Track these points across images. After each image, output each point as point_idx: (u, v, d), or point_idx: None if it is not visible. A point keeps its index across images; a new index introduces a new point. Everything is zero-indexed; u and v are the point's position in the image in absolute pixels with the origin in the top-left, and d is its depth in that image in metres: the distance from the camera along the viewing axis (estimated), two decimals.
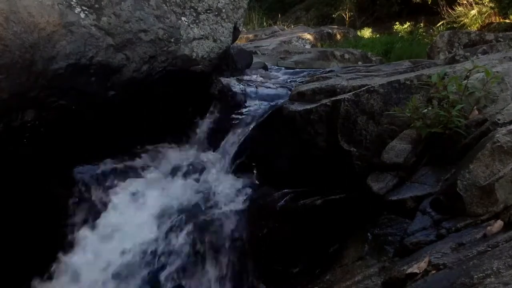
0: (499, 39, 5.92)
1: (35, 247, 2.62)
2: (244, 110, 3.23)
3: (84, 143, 2.84)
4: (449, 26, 8.95)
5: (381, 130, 2.42)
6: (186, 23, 3.03)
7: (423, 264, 1.45)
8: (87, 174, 2.87)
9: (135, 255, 2.51)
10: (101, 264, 2.52)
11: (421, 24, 9.92)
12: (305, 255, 2.25)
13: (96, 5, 2.72)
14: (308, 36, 8.87)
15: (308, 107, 2.68)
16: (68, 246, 2.62)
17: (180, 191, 2.83)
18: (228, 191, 2.76)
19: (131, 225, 2.64)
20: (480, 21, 8.58)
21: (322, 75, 3.47)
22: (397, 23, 10.15)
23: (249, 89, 3.48)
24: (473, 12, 8.75)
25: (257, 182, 2.80)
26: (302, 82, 3.52)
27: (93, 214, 2.73)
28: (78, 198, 2.77)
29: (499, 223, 1.52)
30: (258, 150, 2.95)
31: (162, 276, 2.43)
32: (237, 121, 3.16)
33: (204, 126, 3.25)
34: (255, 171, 2.88)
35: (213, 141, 3.16)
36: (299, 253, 2.28)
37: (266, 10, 13.80)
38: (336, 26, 10.58)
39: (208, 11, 3.15)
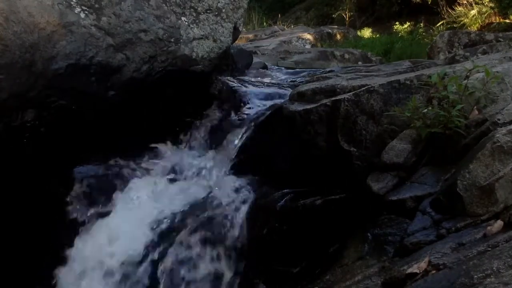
0: (499, 39, 5.92)
1: (35, 246, 2.62)
2: (244, 110, 3.23)
3: (84, 143, 2.84)
4: (449, 26, 8.95)
5: (381, 130, 2.42)
6: (186, 23, 3.04)
7: (423, 264, 1.45)
8: (87, 174, 2.87)
9: (134, 255, 2.51)
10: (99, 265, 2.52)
11: (421, 24, 9.92)
12: (305, 255, 2.25)
13: (96, 5, 2.72)
14: (308, 36, 8.87)
15: (308, 107, 2.68)
16: (67, 245, 2.62)
17: (180, 191, 2.83)
18: (228, 191, 2.76)
19: (131, 225, 2.64)
20: (480, 21, 8.58)
21: (322, 75, 3.47)
22: (397, 23, 10.16)
23: (249, 89, 3.48)
24: (473, 12, 8.75)
25: (257, 182, 2.79)
26: (302, 82, 3.52)
27: (93, 214, 2.73)
28: (78, 198, 2.77)
29: (499, 223, 1.52)
30: (258, 150, 2.95)
31: (161, 275, 2.44)
32: (237, 121, 3.16)
33: (204, 126, 3.25)
34: (255, 171, 2.88)
35: (213, 141, 3.16)
36: (299, 253, 2.27)
37: (266, 10, 13.81)
38: (336, 26, 10.59)
39: (208, 11, 3.15)
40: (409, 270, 1.47)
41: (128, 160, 3.03)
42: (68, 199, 2.76)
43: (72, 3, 2.65)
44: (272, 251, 2.37)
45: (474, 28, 8.41)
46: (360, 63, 6.16)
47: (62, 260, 2.59)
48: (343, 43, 8.97)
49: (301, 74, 4.26)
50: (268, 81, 3.92)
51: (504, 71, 2.34)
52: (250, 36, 9.35)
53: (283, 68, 5.07)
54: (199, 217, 2.58)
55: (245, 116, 3.18)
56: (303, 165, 2.68)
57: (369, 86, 2.52)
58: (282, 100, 3.12)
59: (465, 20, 8.78)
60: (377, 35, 9.81)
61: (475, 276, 1.22)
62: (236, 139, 3.04)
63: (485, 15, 8.59)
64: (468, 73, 2.27)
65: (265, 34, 9.74)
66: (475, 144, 1.88)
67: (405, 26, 9.95)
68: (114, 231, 2.63)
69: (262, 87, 3.61)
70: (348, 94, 2.56)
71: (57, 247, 2.62)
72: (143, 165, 3.03)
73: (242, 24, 3.54)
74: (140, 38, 2.85)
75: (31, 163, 2.69)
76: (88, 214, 2.72)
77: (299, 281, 2.15)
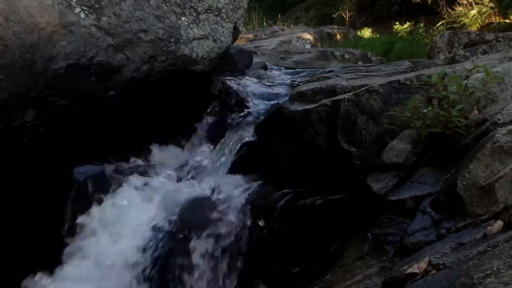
0: (499, 39, 5.92)
1: (35, 246, 2.62)
2: (244, 110, 3.23)
3: (84, 143, 2.84)
4: (449, 26, 8.94)
5: (381, 130, 2.42)
6: (186, 23, 3.04)
7: (423, 264, 1.45)
8: (87, 174, 2.87)
9: (134, 256, 2.51)
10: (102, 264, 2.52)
11: (421, 24, 9.91)
12: (305, 255, 2.25)
13: (96, 5, 2.72)
14: (308, 36, 8.87)
15: (308, 107, 2.68)
16: (68, 246, 2.63)
17: (180, 191, 2.83)
18: (227, 191, 2.76)
19: (131, 225, 2.64)
20: (480, 21, 8.58)
21: (322, 75, 3.46)
22: (397, 23, 10.15)
23: (249, 89, 3.47)
24: (473, 12, 8.75)
25: (257, 182, 2.79)
26: (302, 82, 3.52)
27: (93, 214, 2.73)
28: (78, 198, 2.77)
29: (499, 223, 1.52)
30: (258, 150, 2.95)
31: (159, 275, 2.43)
32: (237, 121, 3.16)
33: (204, 126, 3.25)
34: (254, 171, 2.88)
35: (213, 141, 3.16)
36: (299, 253, 2.28)
37: (266, 10, 13.80)
38: (336, 26, 10.58)
39: (208, 11, 3.15)
40: (409, 270, 1.47)
41: (128, 160, 3.03)
42: (68, 199, 2.76)
43: (72, 3, 2.64)
44: (272, 251, 2.37)
45: (474, 28, 8.40)
46: (360, 63, 6.15)
47: (61, 260, 2.59)
48: (343, 43, 8.97)
49: (301, 74, 4.26)
50: (268, 81, 3.92)
51: (504, 71, 2.34)
52: (250, 36, 9.34)
53: (283, 68, 5.06)
54: (199, 216, 2.58)
55: (245, 116, 3.18)
56: (303, 165, 2.68)
57: (369, 86, 2.52)
58: (282, 100, 3.12)
59: (465, 20, 8.78)
60: (377, 35, 9.81)
61: (475, 276, 1.22)
62: (236, 139, 3.04)
63: (485, 15, 8.59)
64: (468, 73, 2.27)
65: (265, 34, 9.73)
66: (475, 144, 1.88)
67: (405, 26, 9.94)
68: (113, 231, 2.63)
69: (262, 87, 3.61)
70: (348, 94, 2.56)
71: (56, 247, 2.62)
72: (143, 164, 3.03)
73: (242, 24, 3.54)
74: (140, 38, 2.85)
75: (31, 163, 2.69)
76: (89, 214, 2.72)
77: (299, 281, 2.15)
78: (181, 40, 3.01)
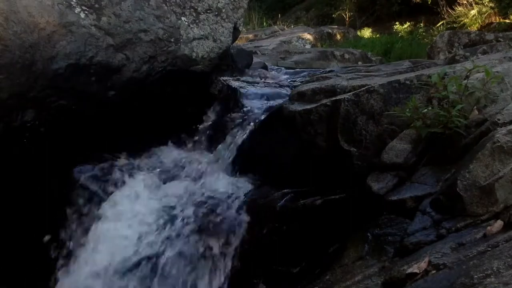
0: (499, 39, 5.93)
1: (35, 247, 2.62)
2: (244, 110, 3.23)
3: (84, 143, 2.84)
4: (449, 26, 8.96)
5: (381, 130, 2.42)
6: (186, 23, 3.04)
7: (423, 264, 1.45)
8: (87, 174, 2.87)
9: (133, 256, 2.51)
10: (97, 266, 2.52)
11: (421, 24, 9.93)
12: (305, 255, 2.25)
13: (96, 5, 2.72)
14: (308, 36, 8.88)
15: (308, 107, 2.68)
16: (67, 245, 2.63)
17: (180, 191, 2.83)
18: (228, 191, 2.76)
19: (130, 226, 2.64)
20: (480, 21, 8.59)
21: (322, 75, 3.47)
22: (397, 23, 10.16)
23: (249, 89, 3.48)
24: (473, 12, 8.76)
25: (257, 182, 2.79)
26: (302, 82, 3.52)
27: (93, 214, 2.73)
28: (77, 198, 2.77)
29: (499, 223, 1.52)
30: (258, 150, 2.95)
31: (157, 277, 2.43)
32: (237, 121, 3.16)
33: (204, 126, 3.25)
34: (255, 171, 2.88)
35: (213, 141, 3.16)
36: (299, 253, 2.28)
37: (266, 10, 13.82)
38: (336, 26, 10.59)
39: (208, 11, 3.15)
40: (409, 270, 1.47)
41: (127, 160, 3.02)
42: (67, 199, 2.76)
43: (72, 3, 2.64)
44: (272, 251, 2.37)
45: (474, 28, 8.41)
46: (360, 63, 6.16)
47: (61, 261, 2.59)
48: (343, 43, 8.97)
49: (301, 74, 4.26)
50: (268, 81, 3.92)
51: (504, 71, 2.34)
52: (250, 36, 9.35)
53: (283, 68, 5.07)
54: (199, 217, 2.58)
55: (245, 116, 3.18)
56: (303, 165, 2.68)
57: (369, 86, 2.52)
58: (282, 100, 3.12)
59: (465, 20, 8.79)
60: (377, 35, 9.82)
61: (475, 276, 1.22)
62: (236, 139, 3.04)
63: (485, 15, 8.60)
64: (468, 73, 2.27)
65: (265, 34, 9.75)
66: (475, 144, 1.88)
67: (405, 26, 9.95)
68: (112, 231, 2.63)
69: (262, 87, 3.61)
70: (348, 94, 2.56)
71: (56, 247, 2.62)
72: (143, 165, 3.03)
73: (242, 24, 3.54)
74: (140, 38, 2.85)
75: (31, 163, 2.69)
76: (88, 214, 2.72)
77: (299, 281, 2.15)
78: (181, 40, 3.01)
